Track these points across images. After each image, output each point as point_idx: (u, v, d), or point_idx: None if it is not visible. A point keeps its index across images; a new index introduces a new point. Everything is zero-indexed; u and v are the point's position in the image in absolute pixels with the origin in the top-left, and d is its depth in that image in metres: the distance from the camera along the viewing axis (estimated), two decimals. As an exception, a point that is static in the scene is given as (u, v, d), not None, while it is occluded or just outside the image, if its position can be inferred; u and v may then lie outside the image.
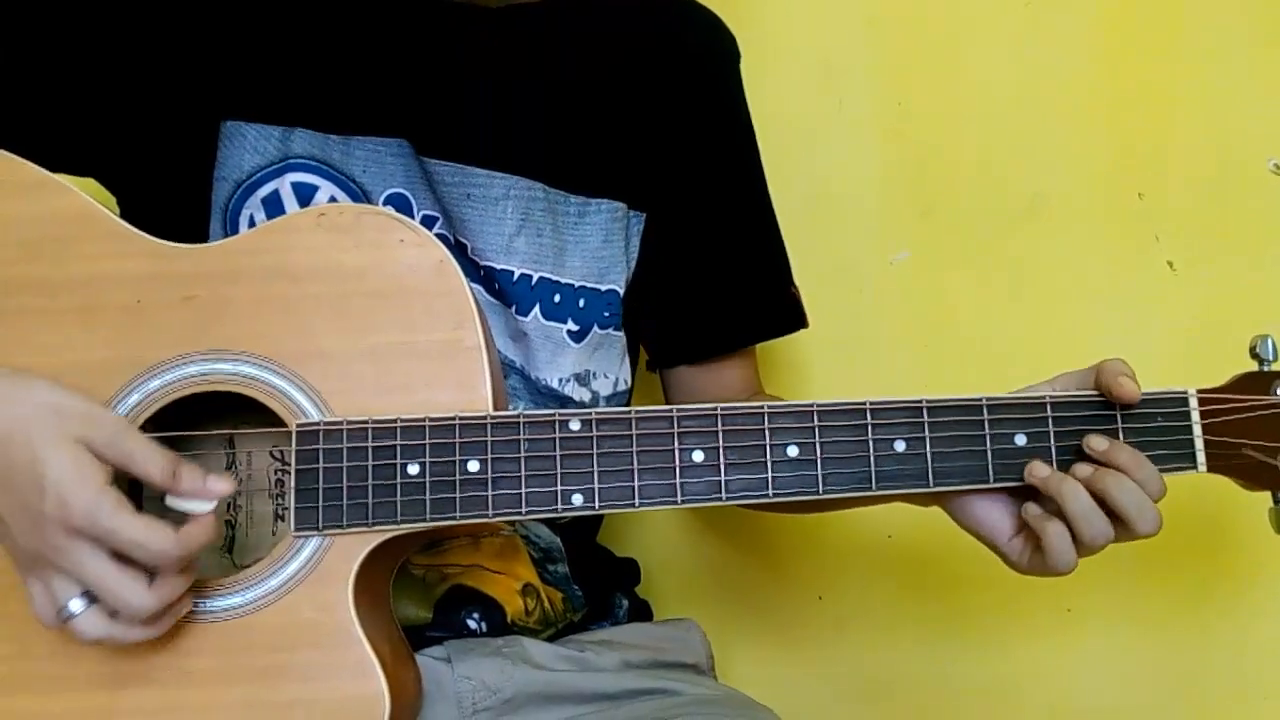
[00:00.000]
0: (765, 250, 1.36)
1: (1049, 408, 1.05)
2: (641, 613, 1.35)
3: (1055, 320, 1.61)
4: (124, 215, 1.12)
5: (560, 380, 1.22)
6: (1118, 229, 1.61)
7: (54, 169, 1.08)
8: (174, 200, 1.17)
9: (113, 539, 0.91)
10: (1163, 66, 1.61)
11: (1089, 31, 1.61)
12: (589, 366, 1.25)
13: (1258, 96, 1.60)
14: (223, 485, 0.96)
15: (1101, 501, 1.02)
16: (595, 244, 1.24)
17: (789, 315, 1.36)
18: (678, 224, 1.28)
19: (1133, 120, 1.61)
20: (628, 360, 1.30)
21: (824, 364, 1.59)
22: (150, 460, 0.94)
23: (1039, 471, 1.03)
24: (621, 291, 1.26)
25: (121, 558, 0.92)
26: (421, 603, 1.18)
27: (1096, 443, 1.03)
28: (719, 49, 1.34)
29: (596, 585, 1.30)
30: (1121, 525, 1.02)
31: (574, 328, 1.23)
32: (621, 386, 1.28)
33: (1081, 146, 1.61)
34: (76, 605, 0.94)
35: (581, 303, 1.23)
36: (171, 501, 0.95)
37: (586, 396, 1.24)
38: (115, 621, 0.95)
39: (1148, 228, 1.60)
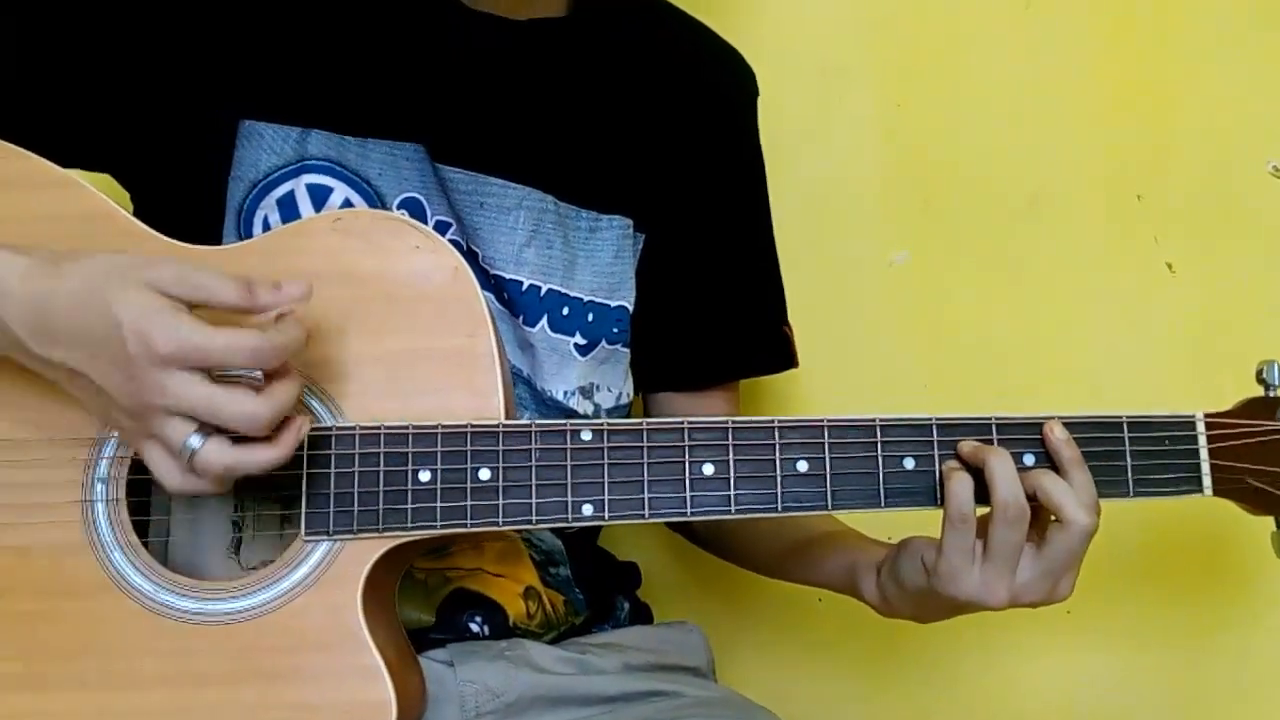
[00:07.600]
0: (763, 287, 1.37)
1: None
2: (642, 615, 1.36)
3: (1054, 322, 1.62)
4: (137, 214, 1.12)
5: (565, 393, 1.23)
6: (1117, 230, 1.62)
7: (67, 165, 1.07)
8: (189, 199, 1.16)
9: (203, 353, 0.90)
10: (1162, 68, 1.61)
11: (1088, 33, 1.62)
12: (594, 380, 1.25)
13: (1257, 98, 1.60)
14: (297, 289, 0.94)
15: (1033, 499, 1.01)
16: (606, 259, 1.25)
17: (780, 354, 1.37)
18: (677, 251, 1.29)
19: (1132, 122, 1.62)
20: (630, 375, 1.30)
21: (824, 365, 1.58)
22: (223, 286, 0.92)
23: (966, 446, 1.03)
24: (631, 308, 1.26)
25: (221, 379, 0.91)
26: (423, 606, 1.19)
27: (1059, 430, 1.03)
28: (739, 84, 1.35)
29: (598, 588, 1.30)
30: (1056, 524, 1.02)
31: (581, 341, 1.23)
32: (624, 400, 1.28)
33: (1081, 148, 1.62)
34: (195, 440, 0.91)
35: (590, 317, 1.24)
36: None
37: (590, 409, 1.24)
38: (238, 446, 0.93)
39: (1147, 229, 1.61)
